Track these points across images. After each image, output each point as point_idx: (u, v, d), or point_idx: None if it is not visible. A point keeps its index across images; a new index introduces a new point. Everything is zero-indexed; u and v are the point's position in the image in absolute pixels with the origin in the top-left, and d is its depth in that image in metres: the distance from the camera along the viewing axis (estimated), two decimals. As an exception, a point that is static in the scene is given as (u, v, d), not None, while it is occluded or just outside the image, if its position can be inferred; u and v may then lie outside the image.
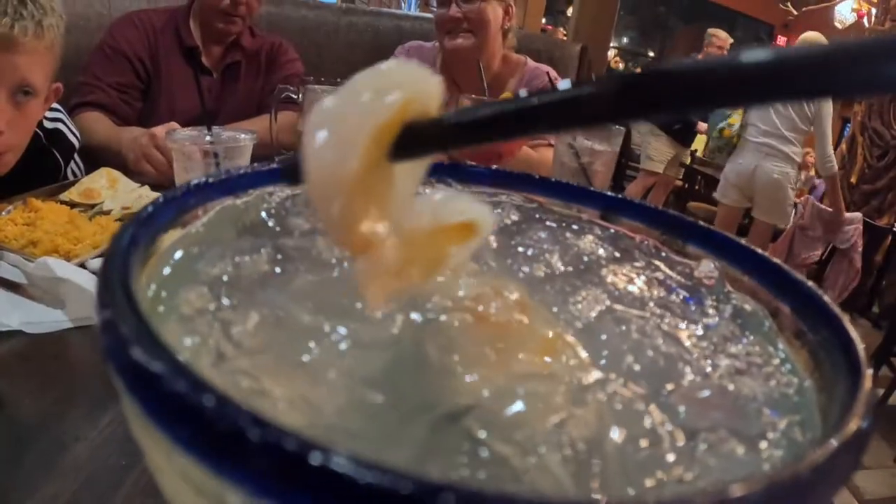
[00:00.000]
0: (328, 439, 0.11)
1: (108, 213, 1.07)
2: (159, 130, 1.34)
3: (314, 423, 0.12)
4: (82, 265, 0.83)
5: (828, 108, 3.63)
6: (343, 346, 0.20)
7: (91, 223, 0.96)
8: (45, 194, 1.13)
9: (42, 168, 1.31)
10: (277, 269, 0.25)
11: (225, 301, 0.22)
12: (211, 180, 0.26)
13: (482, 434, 0.17)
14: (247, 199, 0.29)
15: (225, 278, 0.23)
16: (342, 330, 0.21)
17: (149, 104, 1.77)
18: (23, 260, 0.80)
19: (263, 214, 0.29)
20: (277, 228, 0.28)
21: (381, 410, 0.18)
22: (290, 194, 0.30)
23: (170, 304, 0.21)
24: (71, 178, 1.38)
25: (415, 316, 0.23)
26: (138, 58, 1.74)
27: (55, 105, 1.31)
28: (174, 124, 1.37)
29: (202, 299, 0.21)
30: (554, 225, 0.34)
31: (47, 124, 1.31)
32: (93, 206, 1.12)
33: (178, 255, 0.24)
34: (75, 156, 1.42)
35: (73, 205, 1.09)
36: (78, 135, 1.42)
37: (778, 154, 3.63)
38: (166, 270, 0.22)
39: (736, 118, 4.32)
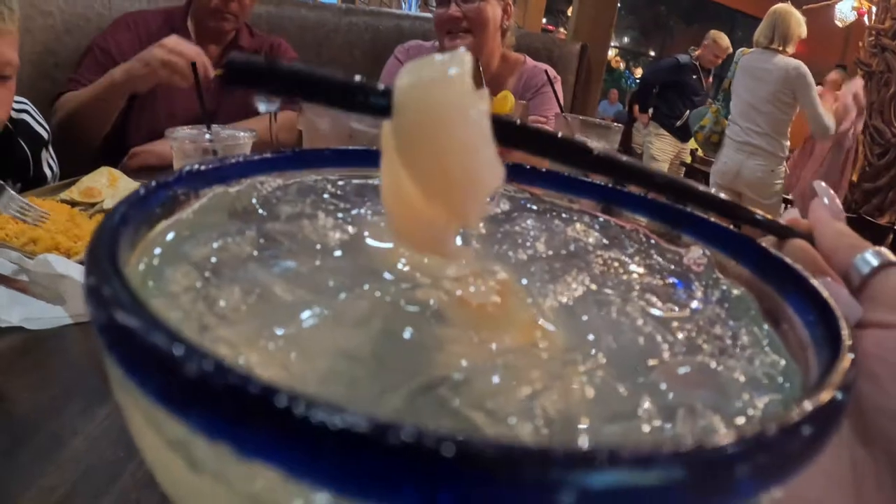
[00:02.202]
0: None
1: (108, 211, 1.08)
2: (168, 41, 1.40)
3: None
4: (82, 262, 0.83)
5: (802, 80, 3.46)
6: (323, 320, 0.21)
7: (91, 221, 0.97)
8: (45, 193, 1.14)
9: (9, 158, 1.35)
10: (262, 251, 0.25)
11: (210, 279, 0.22)
12: (204, 168, 0.26)
13: (455, 402, 0.18)
14: (238, 188, 0.29)
15: (212, 259, 0.24)
16: (323, 305, 0.21)
17: (146, 104, 1.77)
18: (23, 257, 0.80)
19: (254, 201, 0.29)
20: (265, 214, 0.29)
21: (359, 380, 0.19)
22: (282, 184, 0.31)
23: (158, 281, 0.21)
24: (47, 171, 1.42)
25: (396, 293, 0.23)
26: (125, 60, 1.75)
27: (20, 98, 1.36)
28: (174, 38, 1.42)
29: (188, 277, 0.22)
30: (544, 213, 0.35)
31: (13, 114, 1.34)
32: (93, 204, 1.13)
33: (169, 237, 0.24)
34: (49, 149, 1.45)
35: (73, 203, 1.10)
36: (47, 127, 1.45)
37: (761, 152, 3.51)
38: (157, 251, 0.23)
39: (707, 119, 4.28)
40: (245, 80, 0.23)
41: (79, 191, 1.17)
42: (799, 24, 3.59)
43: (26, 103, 1.42)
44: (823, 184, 0.41)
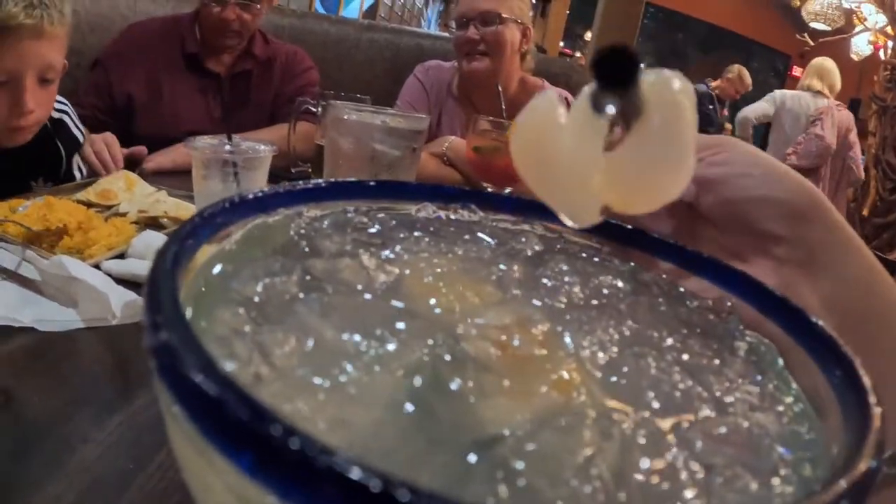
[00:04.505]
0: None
1: (123, 215, 1.08)
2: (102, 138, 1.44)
3: (350, 447, 0.12)
4: (97, 266, 0.84)
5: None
6: (371, 369, 0.21)
7: (107, 224, 0.97)
8: (62, 192, 1.14)
9: (45, 157, 1.37)
10: (307, 292, 0.25)
11: (259, 322, 0.22)
12: (245, 198, 0.27)
13: (518, 464, 0.18)
14: (276, 219, 0.30)
15: (257, 299, 0.24)
16: (370, 354, 0.22)
17: (149, 108, 1.79)
18: (37, 257, 0.81)
19: (293, 235, 0.29)
20: (307, 249, 0.29)
21: (406, 432, 0.19)
22: (318, 215, 0.31)
23: (205, 323, 0.22)
24: (77, 174, 1.43)
25: (441, 342, 0.23)
26: (123, 82, 1.77)
27: (61, 98, 1.37)
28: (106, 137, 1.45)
29: (237, 320, 0.22)
30: (575, 256, 0.35)
31: (53, 114, 1.36)
32: (109, 207, 1.13)
33: (212, 273, 0.24)
34: (81, 152, 1.46)
35: (89, 204, 1.10)
36: (83, 130, 1.46)
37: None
38: (202, 289, 0.23)
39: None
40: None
41: (95, 192, 1.17)
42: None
43: (67, 105, 1.43)
44: None
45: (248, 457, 0.13)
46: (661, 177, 0.27)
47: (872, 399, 0.23)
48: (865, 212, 4.95)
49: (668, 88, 0.26)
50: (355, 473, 0.12)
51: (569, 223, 0.32)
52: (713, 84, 5.51)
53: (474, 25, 1.75)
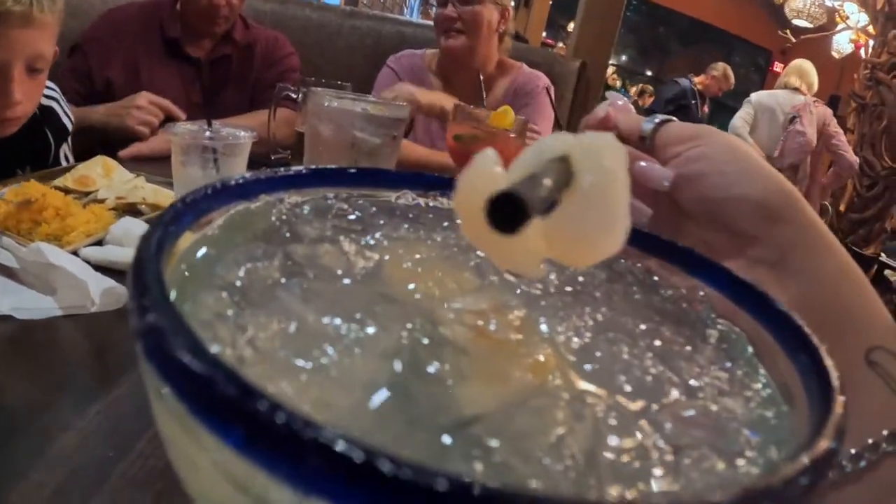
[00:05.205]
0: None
1: (102, 201, 1.07)
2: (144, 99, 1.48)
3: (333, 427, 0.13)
4: (75, 253, 0.83)
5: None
6: (351, 352, 0.21)
7: (85, 211, 0.96)
8: (40, 179, 1.13)
9: (33, 144, 1.34)
10: (289, 277, 0.26)
11: (241, 306, 0.23)
12: (227, 184, 0.27)
13: (493, 443, 0.18)
14: (258, 205, 0.30)
15: (240, 284, 0.24)
16: (350, 337, 0.22)
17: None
18: (15, 244, 0.80)
19: (274, 221, 0.30)
20: (288, 235, 0.29)
21: (386, 414, 0.19)
22: (299, 202, 0.32)
23: (189, 307, 0.22)
24: (63, 163, 1.39)
25: (420, 326, 0.24)
26: (102, 67, 1.75)
27: (50, 84, 1.34)
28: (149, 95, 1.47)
29: (220, 304, 0.22)
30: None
31: (42, 101, 1.33)
32: (87, 193, 1.12)
33: (195, 259, 0.25)
34: (68, 140, 1.43)
35: (67, 191, 1.09)
36: (72, 118, 1.43)
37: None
38: (185, 274, 0.23)
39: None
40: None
41: (73, 178, 1.16)
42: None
43: (56, 91, 1.40)
44: (613, 92, 0.59)
45: (237, 433, 0.13)
46: (595, 239, 0.26)
47: (836, 384, 0.23)
48: (842, 207, 5.04)
49: (598, 154, 0.26)
50: (341, 446, 0.12)
51: (510, 278, 0.32)
52: (696, 80, 5.57)
53: (453, 3, 1.77)
